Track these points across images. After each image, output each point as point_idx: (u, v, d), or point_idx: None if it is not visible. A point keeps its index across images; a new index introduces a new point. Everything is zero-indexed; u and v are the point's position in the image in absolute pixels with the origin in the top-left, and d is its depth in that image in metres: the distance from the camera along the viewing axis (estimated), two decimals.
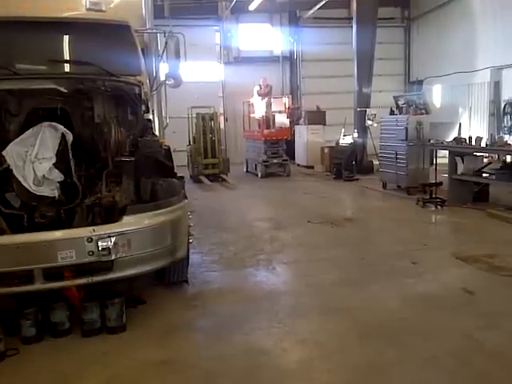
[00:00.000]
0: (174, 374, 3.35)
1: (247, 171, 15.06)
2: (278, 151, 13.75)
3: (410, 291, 4.69)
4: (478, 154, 8.81)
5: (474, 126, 15.50)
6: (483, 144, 8.53)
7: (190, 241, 4.89)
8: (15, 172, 3.78)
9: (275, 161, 13.72)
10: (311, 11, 17.61)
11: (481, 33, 15.37)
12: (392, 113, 11.03)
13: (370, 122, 13.27)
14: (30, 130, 3.93)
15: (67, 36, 5.06)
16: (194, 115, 13.34)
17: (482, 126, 15.32)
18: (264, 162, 13.62)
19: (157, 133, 5.53)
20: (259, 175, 13.76)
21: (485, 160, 9.38)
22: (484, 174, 8.46)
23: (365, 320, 4.08)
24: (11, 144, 3.85)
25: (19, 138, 3.90)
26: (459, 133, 10.94)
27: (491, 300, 4.44)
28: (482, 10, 15.33)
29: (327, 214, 8.40)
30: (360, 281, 5.02)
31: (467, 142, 8.77)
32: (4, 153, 3.80)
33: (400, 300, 4.47)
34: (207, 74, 18.08)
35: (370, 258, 5.82)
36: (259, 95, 14.44)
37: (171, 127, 6.62)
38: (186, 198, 4.49)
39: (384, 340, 3.70)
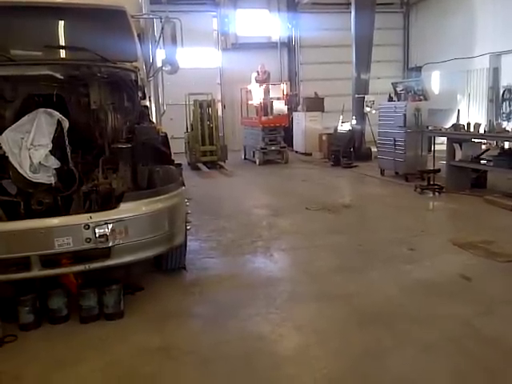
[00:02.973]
0: (171, 360, 3.36)
1: (245, 158, 15.02)
2: (275, 138, 13.70)
3: (408, 278, 4.70)
4: (476, 140, 8.81)
5: (473, 113, 15.47)
6: (481, 130, 8.52)
7: (188, 228, 4.89)
8: (11, 159, 3.75)
9: (273, 148, 13.69)
10: None
11: (480, 18, 15.27)
12: (390, 99, 11.00)
13: (368, 109, 13.23)
14: (26, 116, 3.90)
15: (62, 22, 4.99)
16: (192, 102, 13.27)
17: (481, 113, 15.30)
18: (262, 149, 13.58)
19: (154, 120, 5.50)
20: (257, 162, 13.73)
21: (483, 146, 9.38)
22: (482, 161, 8.46)
23: (362, 307, 4.09)
24: (7, 131, 3.81)
25: (15, 124, 3.87)
26: (458, 119, 10.87)
27: (489, 286, 4.45)
28: None
29: (325, 200, 8.40)
30: (358, 267, 5.03)
31: (465, 128, 8.76)
32: (0, 139, 3.77)
33: (397, 287, 4.48)
34: (205, 61, 17.95)
35: (367, 244, 5.83)
36: (257, 82, 14.35)
37: (168, 114, 6.60)
38: (183, 184, 4.47)
39: (381, 326, 3.72)
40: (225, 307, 4.16)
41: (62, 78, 4.16)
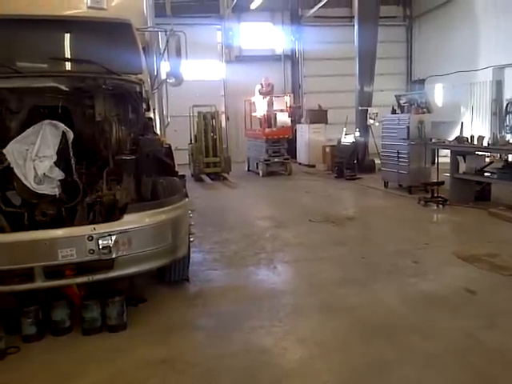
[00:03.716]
0: (174, 373, 3.34)
1: (249, 170, 15.05)
2: (279, 150, 13.75)
3: (411, 290, 4.68)
4: (479, 153, 8.79)
5: (476, 125, 15.48)
6: (485, 143, 8.51)
7: (191, 239, 4.89)
8: (16, 170, 3.76)
9: (276, 159, 13.73)
10: (313, 10, 17.60)
11: (483, 31, 15.33)
12: (394, 112, 11.02)
13: (371, 121, 13.27)
14: (31, 128, 3.92)
15: (68, 34, 5.05)
16: (196, 114, 13.33)
17: (484, 125, 15.30)
18: (265, 160, 13.62)
19: (158, 131, 5.52)
20: (260, 174, 13.76)
21: (487, 159, 9.36)
22: (486, 174, 8.44)
23: (365, 319, 4.07)
24: (12, 142, 3.84)
25: (20, 136, 3.89)
26: (461, 132, 10.89)
27: (493, 300, 4.42)
28: (485, 9, 15.28)
29: (328, 212, 8.39)
30: (361, 280, 5.01)
31: (469, 141, 8.76)
32: (5, 151, 3.79)
33: (401, 299, 4.46)
34: (209, 73, 18.10)
35: (371, 257, 5.81)
36: (261, 94, 14.43)
37: (172, 126, 6.61)
38: (187, 196, 4.48)
39: (384, 339, 3.69)
40: (228, 319, 4.14)
41: (67, 89, 4.20)
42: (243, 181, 12.97)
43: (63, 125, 3.99)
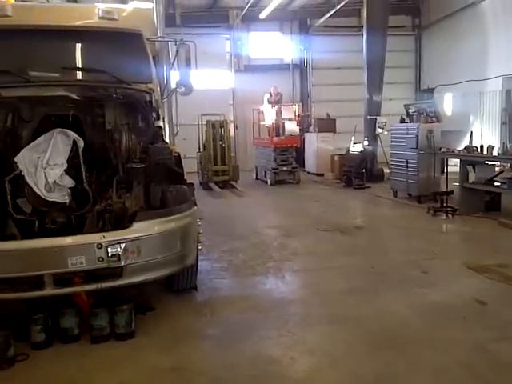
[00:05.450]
0: (182, 382, 3.34)
1: (257, 178, 15.06)
2: (287, 158, 13.76)
3: (421, 301, 4.64)
4: (489, 162, 8.74)
5: (486, 135, 15.39)
6: (495, 153, 8.46)
7: (200, 248, 4.89)
8: (27, 178, 3.81)
9: (285, 168, 13.72)
10: (322, 19, 17.65)
11: (493, 40, 15.30)
12: (402, 121, 11.00)
13: (380, 130, 13.24)
14: (42, 136, 3.97)
15: (80, 44, 5.11)
16: (205, 122, 13.39)
17: (494, 135, 15.22)
18: (274, 169, 13.62)
19: (167, 140, 5.55)
20: (269, 182, 13.76)
21: (496, 169, 9.31)
22: (496, 183, 8.38)
23: (374, 330, 4.04)
24: (23, 150, 3.89)
25: (31, 144, 3.94)
26: (470, 141, 10.86)
27: (504, 311, 4.37)
28: (494, 18, 15.27)
29: (337, 221, 8.36)
30: (370, 290, 4.98)
31: (479, 150, 8.71)
32: (16, 159, 3.84)
33: (411, 310, 4.42)
34: (218, 82, 18.20)
35: (380, 266, 5.77)
36: (269, 103, 14.47)
37: (181, 134, 6.67)
38: (195, 204, 4.49)
39: (393, 350, 3.66)
40: (236, 329, 4.13)
41: (78, 98, 4.24)
42: (251, 189, 12.98)
43: (74, 133, 4.03)
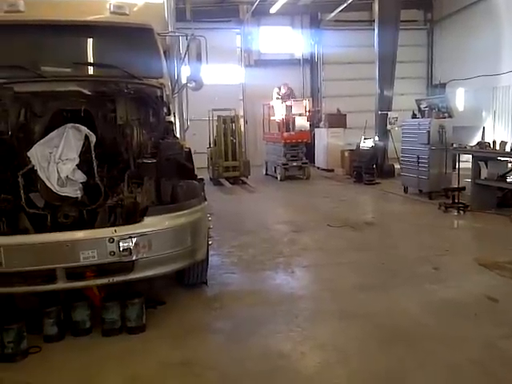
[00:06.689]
0: (192, 376, 3.36)
1: (267, 174, 15.06)
2: (297, 154, 13.72)
3: (432, 297, 4.62)
4: (502, 158, 8.66)
5: (499, 130, 15.23)
6: (507, 148, 8.38)
7: (210, 243, 4.91)
8: (39, 172, 3.84)
9: (295, 164, 13.70)
10: (333, 14, 17.55)
11: (506, 35, 15.10)
12: (414, 116, 10.93)
13: (391, 126, 13.16)
14: (55, 131, 4.00)
15: (91, 39, 5.14)
16: (215, 117, 13.39)
17: (507, 130, 15.05)
18: (283, 164, 13.60)
19: (178, 135, 5.57)
20: (279, 178, 13.75)
21: (509, 165, 9.20)
22: (508, 179, 8.31)
23: (385, 326, 4.03)
24: (36, 145, 3.92)
25: (44, 139, 3.97)
26: (483, 137, 10.76)
27: None
28: (508, 12, 15.06)
29: (347, 217, 8.34)
30: (380, 286, 4.96)
31: (491, 146, 8.64)
32: (29, 154, 3.87)
33: (421, 306, 4.41)
34: (228, 77, 18.16)
35: (390, 262, 5.76)
36: (279, 98, 14.43)
37: (192, 129, 6.67)
38: (205, 200, 4.50)
39: (404, 347, 3.65)
40: (246, 323, 4.14)
41: (89, 93, 4.27)
42: (261, 185, 12.98)
43: (86, 128, 4.05)
